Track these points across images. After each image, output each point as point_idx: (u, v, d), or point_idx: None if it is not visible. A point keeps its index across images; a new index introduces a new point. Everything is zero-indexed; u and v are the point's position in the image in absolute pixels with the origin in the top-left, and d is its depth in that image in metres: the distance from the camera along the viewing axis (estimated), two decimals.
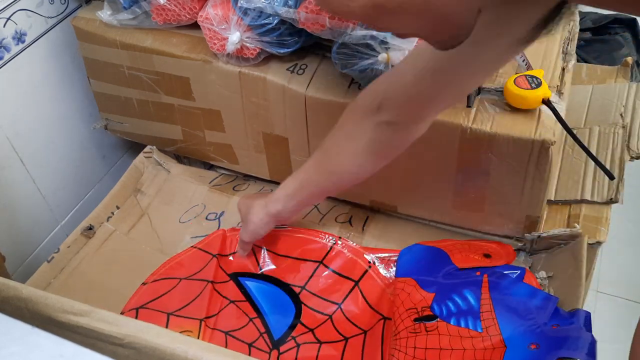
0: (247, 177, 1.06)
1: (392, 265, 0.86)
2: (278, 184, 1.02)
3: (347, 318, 0.82)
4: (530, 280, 0.79)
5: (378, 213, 0.96)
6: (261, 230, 0.83)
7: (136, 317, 0.82)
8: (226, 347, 0.80)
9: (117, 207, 0.99)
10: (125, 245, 0.90)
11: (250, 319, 0.83)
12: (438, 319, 0.75)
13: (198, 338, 0.80)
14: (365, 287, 0.83)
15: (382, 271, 0.85)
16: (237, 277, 0.86)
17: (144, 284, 0.87)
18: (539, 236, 0.84)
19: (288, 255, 0.87)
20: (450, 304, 0.77)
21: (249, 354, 0.79)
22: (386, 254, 0.87)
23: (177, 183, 1.04)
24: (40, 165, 1.02)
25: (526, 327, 0.71)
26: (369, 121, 0.71)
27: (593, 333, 0.67)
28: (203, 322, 0.82)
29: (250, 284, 0.86)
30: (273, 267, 0.87)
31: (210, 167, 1.11)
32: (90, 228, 0.95)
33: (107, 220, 0.97)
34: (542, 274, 0.81)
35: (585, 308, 0.72)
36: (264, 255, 0.88)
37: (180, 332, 0.78)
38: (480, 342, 0.71)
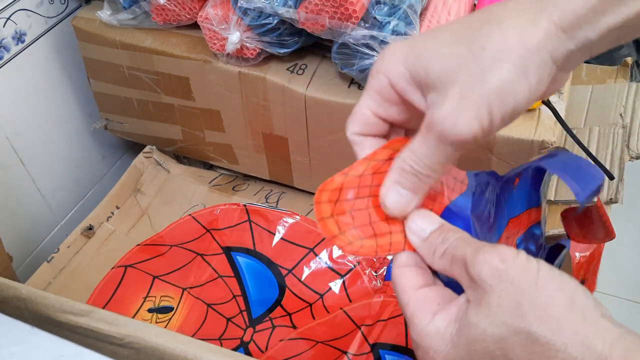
0: (247, 177, 1.06)
1: (385, 265, 0.86)
2: (278, 184, 1.03)
3: (325, 308, 0.82)
4: None
5: None
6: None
7: (124, 275, 0.87)
8: (206, 318, 0.82)
9: (117, 207, 0.99)
10: (125, 245, 0.91)
11: (234, 296, 0.84)
12: None
13: (178, 306, 0.83)
14: (351, 284, 0.84)
15: (372, 272, 0.85)
16: (230, 252, 0.88)
17: (137, 245, 0.90)
18: None
19: (284, 238, 0.88)
20: None
21: (226, 328, 0.81)
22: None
23: (177, 183, 1.04)
24: (40, 165, 1.02)
25: None
26: None
27: None
28: (186, 291, 0.85)
29: (241, 260, 0.87)
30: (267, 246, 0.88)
31: (210, 167, 1.11)
32: (90, 228, 0.95)
33: (107, 220, 0.97)
34: None
35: None
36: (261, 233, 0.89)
37: (161, 297, 0.84)
38: None
